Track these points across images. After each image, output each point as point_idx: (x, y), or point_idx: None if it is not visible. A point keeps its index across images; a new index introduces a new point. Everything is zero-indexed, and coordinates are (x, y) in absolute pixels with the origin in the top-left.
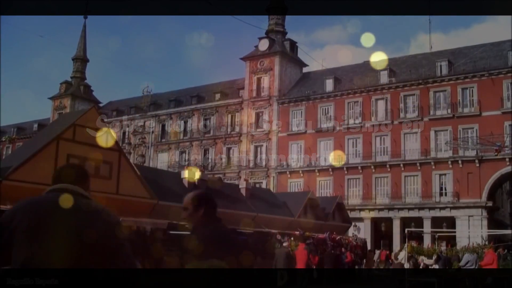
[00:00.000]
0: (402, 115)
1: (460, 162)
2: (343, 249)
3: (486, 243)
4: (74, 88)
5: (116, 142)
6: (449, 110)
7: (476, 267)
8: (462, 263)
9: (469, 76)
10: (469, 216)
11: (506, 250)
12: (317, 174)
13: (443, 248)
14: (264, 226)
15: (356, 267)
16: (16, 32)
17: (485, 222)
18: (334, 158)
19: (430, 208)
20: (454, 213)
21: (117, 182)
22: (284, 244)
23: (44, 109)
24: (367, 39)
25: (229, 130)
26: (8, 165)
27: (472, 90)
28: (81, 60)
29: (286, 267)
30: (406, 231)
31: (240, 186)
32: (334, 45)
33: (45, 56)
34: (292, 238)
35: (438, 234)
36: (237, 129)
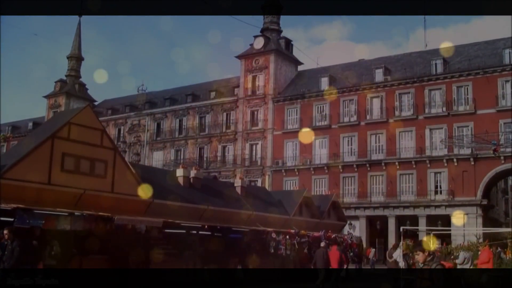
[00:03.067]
0: (397, 113)
1: (455, 160)
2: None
3: (481, 241)
4: (69, 86)
5: (111, 140)
6: (444, 108)
7: (472, 266)
8: (459, 261)
9: (464, 74)
10: (464, 214)
11: (498, 249)
12: (312, 172)
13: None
14: (259, 225)
15: (354, 265)
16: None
17: (480, 220)
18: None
19: (425, 206)
20: (449, 211)
21: (112, 181)
22: (322, 245)
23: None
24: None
25: (224, 128)
26: (2, 164)
27: (467, 88)
28: (76, 58)
29: (324, 265)
30: (401, 229)
31: (235, 185)
32: (330, 42)
33: (39, 54)
34: (287, 237)
35: (433, 232)
36: (232, 127)
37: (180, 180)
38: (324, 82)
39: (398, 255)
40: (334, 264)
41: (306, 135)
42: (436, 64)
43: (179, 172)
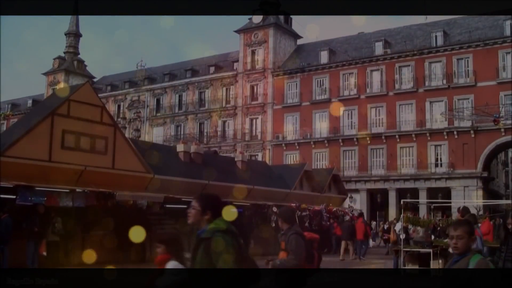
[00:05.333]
0: (397, 86)
1: (455, 132)
2: (331, 220)
3: (481, 213)
4: (67, 63)
5: (111, 117)
6: (445, 81)
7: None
8: None
9: (465, 47)
10: (464, 186)
11: (501, 220)
12: (313, 146)
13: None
14: (260, 199)
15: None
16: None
17: (480, 193)
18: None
19: (426, 179)
20: (449, 183)
21: (113, 157)
22: (346, 218)
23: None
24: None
25: (224, 103)
26: (3, 142)
27: (468, 60)
28: (74, 35)
29: (350, 237)
30: (401, 202)
31: (235, 159)
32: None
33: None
34: None
35: (433, 204)
36: (232, 102)
37: (181, 156)
38: (324, 56)
39: (400, 228)
40: (360, 236)
41: (335, 107)
42: (436, 36)
43: (180, 148)
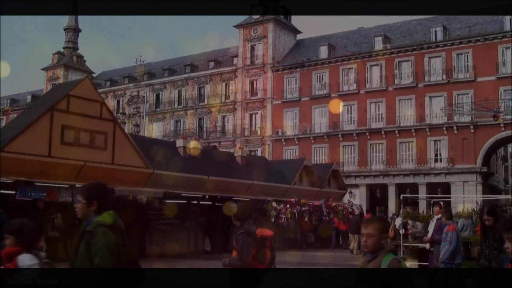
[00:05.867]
0: (397, 81)
1: (455, 128)
2: (331, 215)
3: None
4: (66, 58)
5: (111, 112)
6: (444, 76)
7: (471, 233)
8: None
9: (464, 42)
10: (463, 181)
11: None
12: (312, 141)
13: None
14: (260, 194)
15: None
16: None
17: (479, 188)
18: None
19: (425, 174)
20: (449, 178)
21: (112, 152)
22: (356, 213)
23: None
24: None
25: (223, 98)
26: (2, 137)
27: (467, 55)
28: (73, 30)
29: (358, 231)
30: (401, 197)
31: (235, 154)
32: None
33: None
34: (288, 206)
35: (433, 200)
36: (231, 97)
37: (180, 151)
38: (323, 51)
39: (400, 223)
40: None
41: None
42: (435, 31)
43: (179, 143)
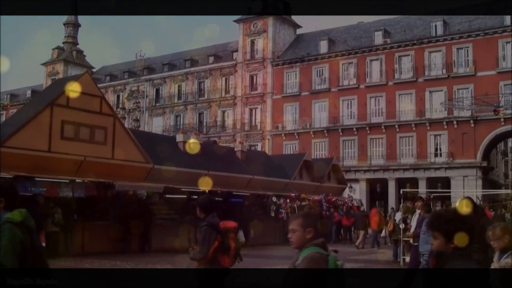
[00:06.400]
0: (397, 76)
1: (455, 122)
2: (331, 210)
3: (481, 202)
4: (66, 53)
5: (110, 107)
6: (444, 71)
7: None
8: None
9: (464, 36)
10: (463, 176)
11: (503, 210)
12: (312, 136)
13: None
14: (260, 189)
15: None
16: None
17: (479, 182)
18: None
19: (425, 169)
20: (449, 173)
21: (112, 147)
22: (362, 209)
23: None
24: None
25: (223, 93)
26: (2, 132)
27: (467, 50)
28: (72, 25)
29: (364, 226)
30: (401, 192)
31: (235, 149)
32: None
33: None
34: (288, 201)
35: (433, 194)
36: (231, 92)
37: (180, 146)
38: (323, 45)
39: (400, 218)
40: (374, 226)
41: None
42: (436, 26)
43: (179, 138)
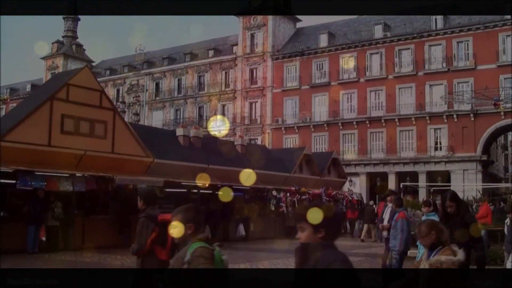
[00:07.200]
0: (397, 69)
1: (455, 116)
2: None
3: (481, 196)
4: (66, 47)
5: (110, 101)
6: (444, 64)
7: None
8: None
9: (465, 30)
10: (463, 170)
11: (502, 204)
12: (312, 129)
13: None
14: (259, 183)
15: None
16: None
17: (479, 176)
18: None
19: (425, 163)
20: (449, 167)
21: (112, 141)
22: (370, 203)
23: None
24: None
25: (223, 87)
26: (2, 127)
27: (468, 43)
28: (72, 19)
29: (372, 221)
30: (401, 186)
31: (235, 143)
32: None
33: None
34: (288, 194)
35: (433, 188)
36: (231, 85)
37: (180, 140)
38: (323, 39)
39: None
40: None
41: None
42: (436, 19)
43: (179, 132)
